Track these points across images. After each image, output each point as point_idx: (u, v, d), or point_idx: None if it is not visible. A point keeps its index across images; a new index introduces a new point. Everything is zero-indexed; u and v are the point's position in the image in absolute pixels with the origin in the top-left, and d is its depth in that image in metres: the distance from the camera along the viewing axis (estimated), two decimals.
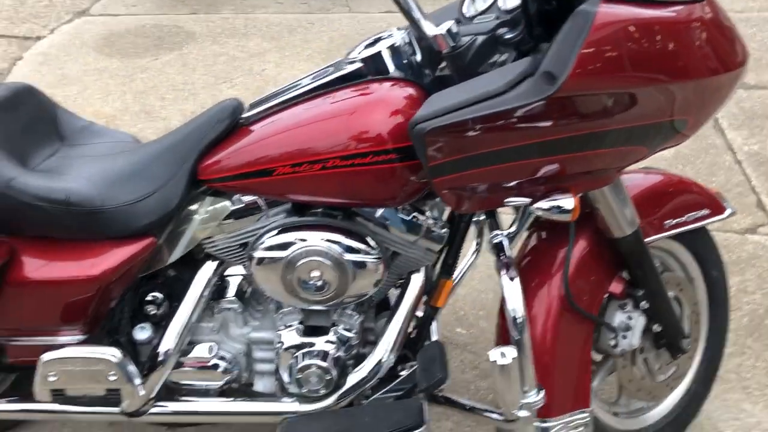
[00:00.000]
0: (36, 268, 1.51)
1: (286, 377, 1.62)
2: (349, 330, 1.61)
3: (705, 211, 1.68)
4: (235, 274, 1.66)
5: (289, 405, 1.62)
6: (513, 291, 1.36)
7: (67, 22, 4.43)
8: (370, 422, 1.53)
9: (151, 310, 1.65)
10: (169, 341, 1.58)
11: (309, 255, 1.47)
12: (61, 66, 3.92)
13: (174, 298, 1.66)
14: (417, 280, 1.60)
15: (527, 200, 1.34)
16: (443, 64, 1.45)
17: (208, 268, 1.60)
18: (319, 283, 1.49)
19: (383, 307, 1.70)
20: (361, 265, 1.49)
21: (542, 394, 1.43)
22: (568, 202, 1.31)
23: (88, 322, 1.58)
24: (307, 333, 1.61)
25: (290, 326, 1.62)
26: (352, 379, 1.60)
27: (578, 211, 1.33)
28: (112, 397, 1.58)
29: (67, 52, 4.07)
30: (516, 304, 1.35)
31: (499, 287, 1.42)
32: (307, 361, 1.58)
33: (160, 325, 1.64)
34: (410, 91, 1.42)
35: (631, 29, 1.21)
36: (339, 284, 1.49)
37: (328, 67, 1.55)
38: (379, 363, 1.59)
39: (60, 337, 1.58)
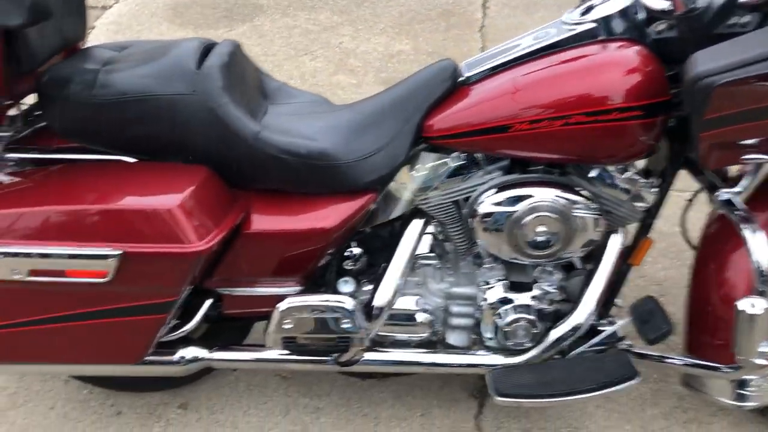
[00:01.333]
0: (270, 221, 1.54)
1: (489, 331, 1.68)
2: (551, 286, 1.67)
3: None
4: (428, 232, 1.70)
5: (492, 358, 1.69)
6: (758, 243, 1.42)
7: None
8: (583, 373, 1.60)
9: (350, 264, 1.70)
10: (384, 294, 1.62)
11: (539, 210, 1.53)
12: (137, 35, 3.90)
13: (370, 254, 1.71)
14: (617, 239, 1.66)
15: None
16: (662, 26, 1.50)
17: (416, 225, 1.65)
18: (545, 238, 1.55)
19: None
20: (585, 220, 1.54)
21: None
22: None
23: (306, 275, 1.62)
24: (511, 289, 1.67)
25: (494, 282, 1.67)
26: (554, 334, 1.66)
27: None
28: (328, 347, 1.63)
29: (139, 21, 4.05)
30: (763, 256, 1.42)
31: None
32: (515, 315, 1.64)
33: (359, 279, 1.69)
34: (642, 51, 1.47)
35: None
36: (564, 239, 1.55)
37: (546, 29, 1.59)
38: (582, 319, 1.65)
39: (278, 288, 1.62)
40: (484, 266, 1.68)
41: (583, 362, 1.64)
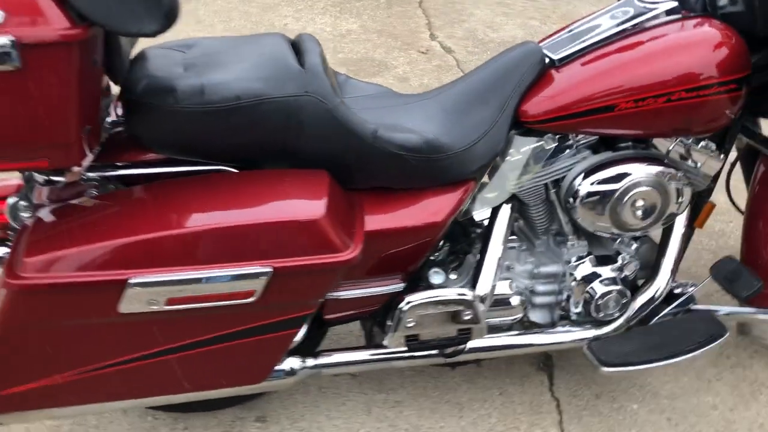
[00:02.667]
0: (382, 219, 1.49)
1: (578, 305, 1.73)
2: (632, 256, 1.74)
3: None
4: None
5: (584, 332, 1.74)
6: None
7: None
8: (679, 335, 1.69)
9: (435, 255, 1.69)
10: (486, 281, 1.63)
11: (640, 185, 1.59)
12: None
13: (451, 241, 1.70)
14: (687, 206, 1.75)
15: None
16: (725, 1, 1.59)
17: (506, 210, 1.66)
18: (645, 210, 1.61)
19: None
20: (678, 190, 1.62)
21: None
22: None
23: (413, 270, 1.59)
24: (598, 263, 1.72)
25: (581, 258, 1.72)
26: (639, 302, 1.74)
27: None
28: (449, 340, 1.62)
29: None
30: None
31: None
32: (606, 288, 1.70)
33: (446, 269, 1.69)
34: (721, 26, 1.55)
35: None
36: (660, 209, 1.62)
37: (620, 7, 1.63)
38: (663, 284, 1.74)
39: (383, 287, 1.58)
40: (568, 244, 1.72)
41: (677, 325, 1.73)
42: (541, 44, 1.65)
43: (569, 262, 1.73)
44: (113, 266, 1.22)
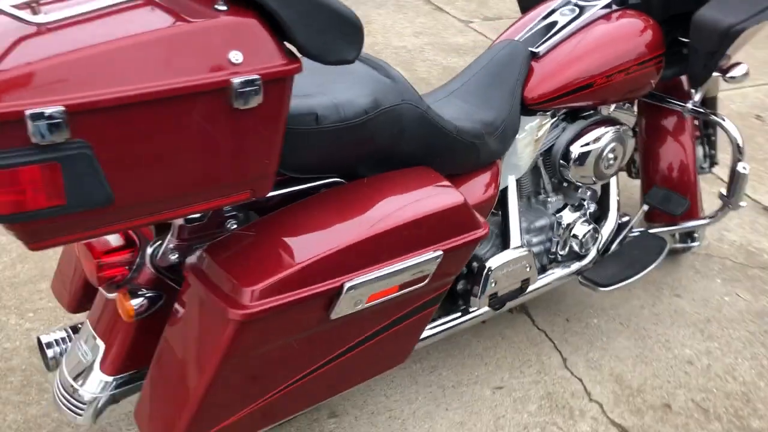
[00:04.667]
0: (468, 197, 1.73)
1: (566, 247, 2.15)
2: (590, 201, 2.21)
3: None
4: None
5: (573, 266, 2.17)
6: (729, 125, 2.18)
7: None
8: (640, 253, 2.20)
9: None
10: (516, 239, 1.96)
11: (612, 142, 2.04)
12: None
13: None
14: None
15: None
16: None
17: (513, 180, 2.01)
18: (614, 160, 2.07)
19: None
20: (628, 143, 2.11)
21: None
22: None
23: None
24: (574, 210, 2.16)
25: (560, 210, 2.14)
26: (604, 234, 2.22)
27: None
28: (514, 293, 1.92)
29: None
30: (736, 133, 2.18)
31: None
32: (586, 228, 2.14)
33: None
34: (646, 16, 2.07)
35: None
36: (621, 158, 2.09)
37: (566, 6, 2.06)
38: (615, 218, 2.25)
39: None
40: (549, 200, 2.13)
41: (634, 246, 2.24)
42: (518, 39, 2.02)
43: (554, 214, 2.13)
44: (328, 276, 1.31)
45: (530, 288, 2.05)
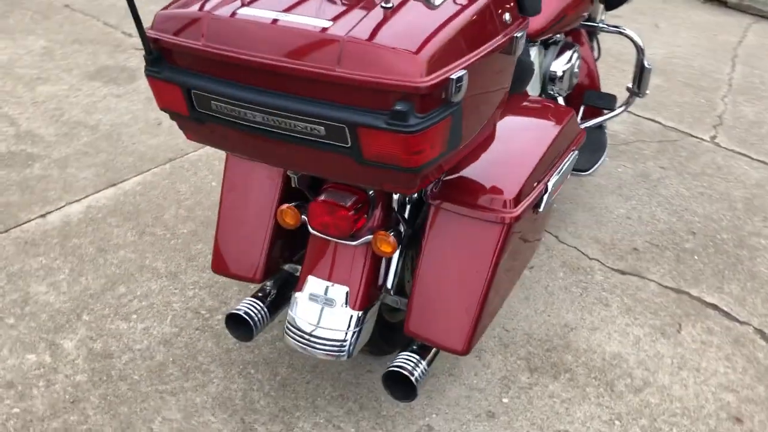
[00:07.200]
0: None
1: None
2: None
3: None
4: None
5: None
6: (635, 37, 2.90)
7: None
8: (591, 142, 2.85)
9: None
10: None
11: (578, 58, 2.64)
12: None
13: None
14: None
15: None
16: None
17: None
18: (578, 74, 2.69)
19: None
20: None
21: None
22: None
23: None
24: None
25: None
26: None
27: None
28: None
29: None
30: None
31: None
32: None
33: None
34: None
35: None
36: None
37: None
38: None
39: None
40: None
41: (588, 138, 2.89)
42: None
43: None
44: (539, 180, 1.76)
45: None
